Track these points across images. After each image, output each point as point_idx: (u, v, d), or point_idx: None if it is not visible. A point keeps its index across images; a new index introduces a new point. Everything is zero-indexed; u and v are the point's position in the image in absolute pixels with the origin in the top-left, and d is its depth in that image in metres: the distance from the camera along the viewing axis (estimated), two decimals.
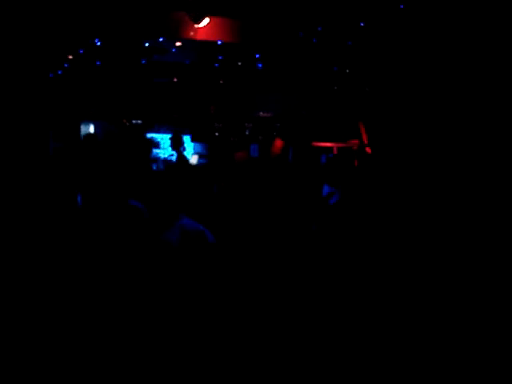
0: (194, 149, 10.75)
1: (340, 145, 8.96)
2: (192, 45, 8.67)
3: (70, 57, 9.92)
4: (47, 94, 7.48)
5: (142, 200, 4.06)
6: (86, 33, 8.02)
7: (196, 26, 7.80)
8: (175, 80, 11.26)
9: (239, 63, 10.18)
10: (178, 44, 8.51)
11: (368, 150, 9.05)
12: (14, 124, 6.63)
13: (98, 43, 8.50)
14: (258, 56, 9.57)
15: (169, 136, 9.26)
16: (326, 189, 5.19)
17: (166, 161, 10.06)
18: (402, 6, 8.42)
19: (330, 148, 8.85)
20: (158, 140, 10.88)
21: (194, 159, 10.37)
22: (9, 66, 6.71)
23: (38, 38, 7.11)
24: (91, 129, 11.61)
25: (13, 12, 6.69)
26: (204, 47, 8.99)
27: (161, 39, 8.23)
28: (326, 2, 8.36)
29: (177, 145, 8.99)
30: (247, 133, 11.04)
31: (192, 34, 7.99)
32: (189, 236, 3.69)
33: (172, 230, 3.67)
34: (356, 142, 8.71)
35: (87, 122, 11.58)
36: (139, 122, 11.45)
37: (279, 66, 10.33)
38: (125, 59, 9.68)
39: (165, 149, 10.77)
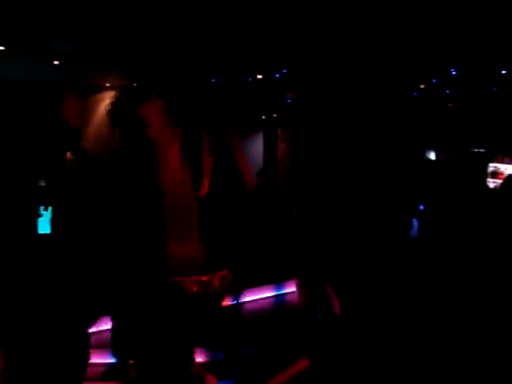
0: None
1: None
2: None
3: (422, 86, 10.44)
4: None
5: None
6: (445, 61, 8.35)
7: None
8: None
9: None
10: None
11: None
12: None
13: (454, 72, 8.78)
14: None
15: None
16: None
17: None
18: None
19: None
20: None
21: None
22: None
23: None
24: (432, 156, 11.98)
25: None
26: None
27: None
28: None
29: None
30: None
31: None
32: None
33: None
34: None
35: (429, 149, 11.99)
36: (481, 150, 11.33)
37: None
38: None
39: None
